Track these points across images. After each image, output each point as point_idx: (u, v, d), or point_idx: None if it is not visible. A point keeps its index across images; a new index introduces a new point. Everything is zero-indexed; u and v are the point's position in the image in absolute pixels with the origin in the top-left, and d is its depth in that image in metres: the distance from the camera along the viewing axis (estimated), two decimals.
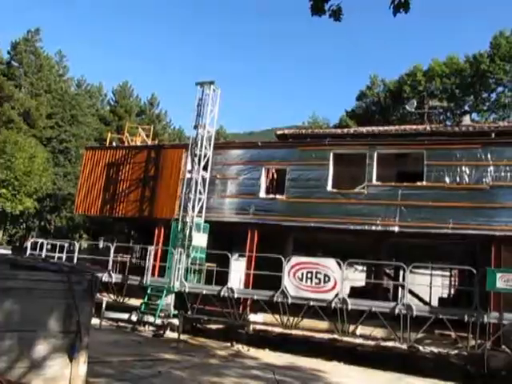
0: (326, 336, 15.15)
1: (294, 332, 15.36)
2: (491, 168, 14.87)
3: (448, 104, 38.66)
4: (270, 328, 16.02)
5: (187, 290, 15.92)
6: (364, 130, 20.33)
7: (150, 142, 22.93)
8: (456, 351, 13.81)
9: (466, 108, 40.69)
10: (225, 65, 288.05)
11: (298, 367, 12.43)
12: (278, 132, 21.20)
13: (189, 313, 15.77)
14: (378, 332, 14.48)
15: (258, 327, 16.21)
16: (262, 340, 15.15)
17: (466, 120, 24.09)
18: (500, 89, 42.30)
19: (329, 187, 16.44)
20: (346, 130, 22.03)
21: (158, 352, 12.22)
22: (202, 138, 17.24)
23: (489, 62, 40.57)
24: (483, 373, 12.40)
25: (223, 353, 13.56)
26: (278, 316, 14.83)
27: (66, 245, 19.95)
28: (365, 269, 22.93)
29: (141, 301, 16.54)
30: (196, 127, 17.38)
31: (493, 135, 16.27)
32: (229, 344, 14.68)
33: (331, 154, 16.65)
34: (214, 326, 16.59)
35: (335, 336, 14.76)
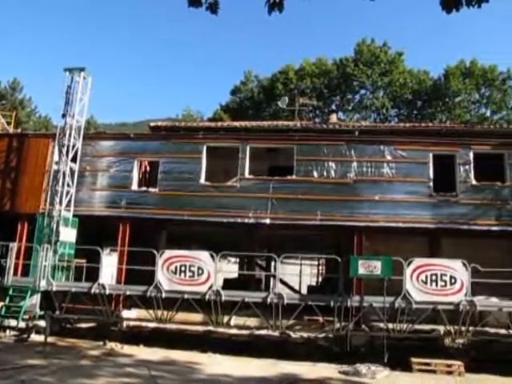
0: (201, 328, 15.23)
1: (168, 326, 15.23)
2: (355, 164, 16.01)
3: (317, 102, 40.73)
4: (144, 323, 15.71)
5: (54, 289, 15.01)
6: (237, 124, 20.72)
7: (11, 130, 21.24)
8: (323, 334, 14.67)
9: (333, 107, 43.26)
10: (96, 52, 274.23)
11: (174, 361, 12.39)
12: (152, 124, 20.81)
13: (57, 313, 14.91)
14: (252, 321, 14.88)
15: (132, 323, 15.81)
16: (137, 336, 14.83)
17: (333, 118, 25.67)
18: (363, 91, 45.63)
19: (202, 180, 16.48)
20: (219, 124, 22.29)
21: (21, 358, 11.34)
22: (71, 128, 16.35)
23: (353, 66, 43.60)
24: (347, 351, 13.39)
25: (95, 352, 13.03)
26: (152, 311, 14.61)
27: None
28: (238, 260, 23.47)
29: (1, 304, 15.26)
30: (64, 116, 16.40)
31: (356, 133, 17.46)
32: (101, 343, 14.14)
33: (204, 148, 16.70)
34: (84, 325, 15.86)
35: (210, 328, 14.89)
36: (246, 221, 15.85)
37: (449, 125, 26.28)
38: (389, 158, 15.95)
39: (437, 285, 13.38)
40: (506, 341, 13.66)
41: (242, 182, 16.23)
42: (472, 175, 15.74)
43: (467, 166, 15.81)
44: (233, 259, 26.30)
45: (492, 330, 14.05)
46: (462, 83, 42.23)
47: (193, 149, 16.77)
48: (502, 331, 13.85)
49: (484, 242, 16.18)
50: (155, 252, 14.40)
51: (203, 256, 14.29)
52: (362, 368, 12.34)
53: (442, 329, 13.99)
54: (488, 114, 43.91)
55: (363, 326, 14.38)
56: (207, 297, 13.90)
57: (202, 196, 16.24)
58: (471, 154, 15.90)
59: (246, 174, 16.34)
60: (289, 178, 16.11)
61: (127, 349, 13.66)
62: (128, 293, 14.81)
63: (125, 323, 15.54)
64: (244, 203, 15.95)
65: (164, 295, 14.15)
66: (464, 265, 13.43)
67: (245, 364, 12.59)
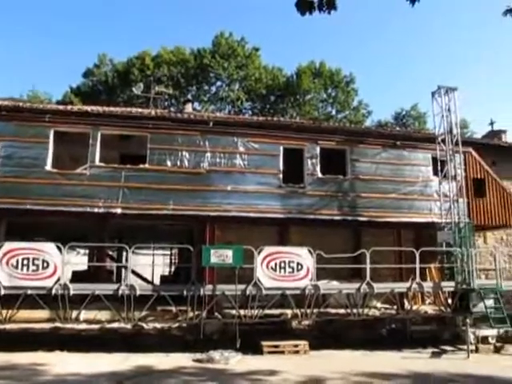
0: (47, 325, 14.27)
1: (8, 326, 13.95)
2: (208, 154, 16.15)
3: (173, 91, 40.33)
4: None
5: None
6: (89, 108, 19.62)
7: None
8: (177, 324, 14.67)
9: (189, 97, 43.08)
10: None
11: (15, 365, 11.42)
12: None
13: None
14: (103, 315, 14.28)
15: None
16: None
17: (188, 108, 25.54)
18: (219, 83, 46.24)
19: (48, 167, 15.30)
20: (69, 108, 20.93)
21: None
22: None
23: (211, 57, 43.95)
24: (200, 339, 13.61)
25: None
26: None
27: None
28: (87, 252, 22.44)
29: None
30: None
31: (211, 124, 17.61)
32: None
33: (52, 132, 15.52)
34: None
35: (57, 324, 14.01)
36: (96, 210, 15.13)
37: (299, 120, 27.77)
38: (242, 149, 16.38)
39: (285, 271, 14.15)
40: (343, 319, 15.03)
41: (92, 169, 15.45)
42: (318, 168, 16.88)
43: (314, 160, 16.90)
44: (82, 251, 25.07)
45: (333, 311, 15.40)
46: (311, 82, 45.05)
47: (38, 132, 15.49)
48: (341, 311, 15.23)
49: (327, 231, 17.59)
50: None
51: (48, 248, 13.34)
52: (216, 355, 12.69)
53: (289, 312, 14.92)
54: (333, 112, 47.59)
55: (216, 314, 14.73)
56: (54, 291, 13.03)
57: (48, 184, 15.09)
58: (318, 149, 17.03)
59: (97, 162, 15.55)
60: (141, 166, 15.70)
61: None
62: None
63: None
64: (94, 192, 15.18)
65: (3, 292, 12.94)
66: (310, 252, 14.41)
67: (95, 360, 12.17)
